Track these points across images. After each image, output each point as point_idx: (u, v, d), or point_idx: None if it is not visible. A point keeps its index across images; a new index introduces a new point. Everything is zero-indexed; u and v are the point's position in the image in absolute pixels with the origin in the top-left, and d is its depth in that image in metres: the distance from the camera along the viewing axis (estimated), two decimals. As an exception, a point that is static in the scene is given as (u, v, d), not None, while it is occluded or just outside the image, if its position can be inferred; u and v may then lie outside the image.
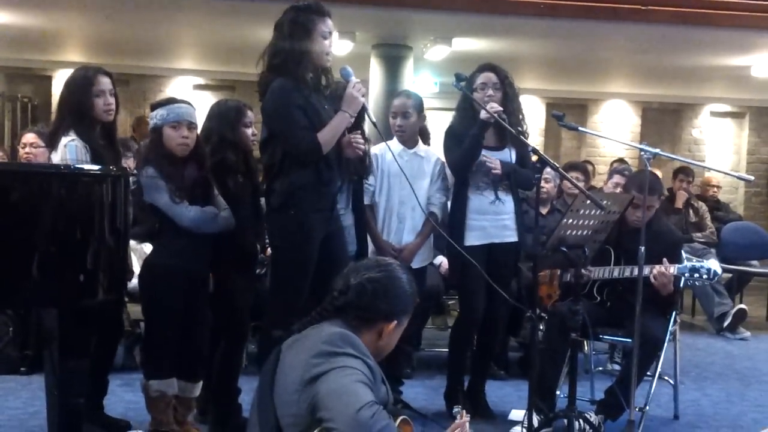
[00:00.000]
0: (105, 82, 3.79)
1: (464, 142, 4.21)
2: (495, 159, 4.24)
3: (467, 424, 2.40)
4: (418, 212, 4.44)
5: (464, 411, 2.45)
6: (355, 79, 3.73)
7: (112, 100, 3.82)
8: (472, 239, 4.26)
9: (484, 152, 4.23)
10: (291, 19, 3.64)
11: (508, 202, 4.33)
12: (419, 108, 4.52)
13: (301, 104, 3.62)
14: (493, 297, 4.31)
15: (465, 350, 4.52)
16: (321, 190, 3.70)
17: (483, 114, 4.08)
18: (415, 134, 4.54)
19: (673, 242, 4.35)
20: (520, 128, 4.16)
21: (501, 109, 4.08)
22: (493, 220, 4.29)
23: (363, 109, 3.77)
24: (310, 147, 3.61)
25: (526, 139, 4.12)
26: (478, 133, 4.16)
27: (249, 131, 4.12)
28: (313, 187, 3.67)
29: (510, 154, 4.31)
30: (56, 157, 3.68)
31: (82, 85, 3.75)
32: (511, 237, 4.31)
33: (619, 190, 6.04)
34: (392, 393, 4.41)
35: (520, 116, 4.32)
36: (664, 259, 4.07)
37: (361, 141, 3.91)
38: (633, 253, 4.02)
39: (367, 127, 4.23)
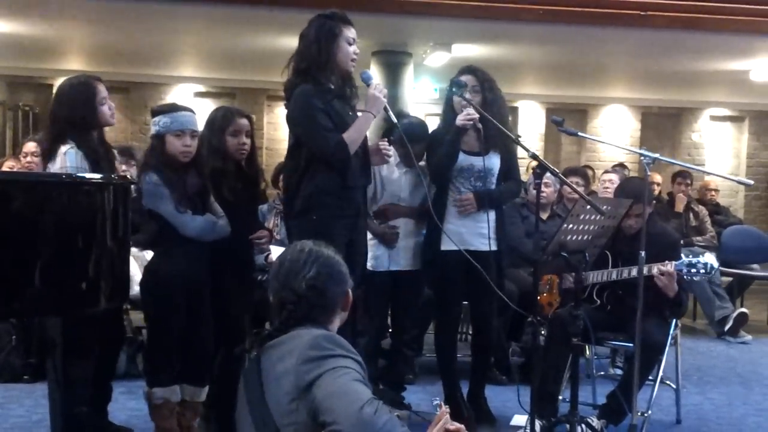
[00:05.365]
0: (104, 89, 3.80)
1: (441, 148, 4.22)
2: (468, 195, 4.22)
3: (448, 416, 2.37)
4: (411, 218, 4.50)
5: (442, 403, 2.44)
6: (375, 81, 3.88)
7: (112, 104, 3.85)
8: (447, 243, 4.22)
9: (465, 160, 4.23)
10: (318, 26, 3.75)
11: (489, 210, 4.28)
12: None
13: (325, 108, 3.69)
14: (479, 302, 4.34)
15: (451, 355, 4.51)
16: (344, 194, 3.75)
17: (458, 120, 4.11)
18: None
19: (670, 243, 4.34)
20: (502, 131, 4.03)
21: (477, 116, 4.07)
22: (470, 226, 4.27)
23: (385, 110, 3.85)
24: (337, 147, 3.67)
25: (513, 142, 4.05)
26: (454, 139, 4.16)
27: (236, 140, 3.98)
28: (336, 192, 3.71)
29: (492, 160, 4.27)
30: (55, 167, 3.62)
31: (86, 95, 3.73)
32: (486, 246, 4.24)
33: (608, 186, 6.07)
34: (395, 397, 4.45)
35: (504, 120, 4.23)
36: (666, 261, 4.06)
37: (390, 148, 3.97)
38: (629, 256, 4.04)
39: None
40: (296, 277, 2.43)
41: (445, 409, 2.39)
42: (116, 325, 4.13)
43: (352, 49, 3.80)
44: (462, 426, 2.32)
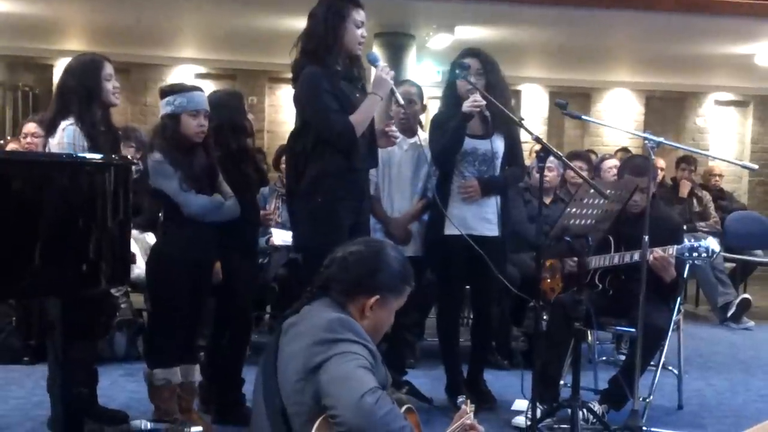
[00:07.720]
0: (110, 67, 3.79)
1: (446, 134, 4.17)
2: (473, 181, 4.19)
3: (472, 414, 2.38)
4: (415, 202, 4.50)
5: (468, 401, 2.44)
6: (382, 63, 3.84)
7: (117, 84, 3.83)
8: (451, 228, 4.18)
9: (469, 144, 4.18)
10: (326, 7, 3.72)
11: (493, 195, 4.27)
12: (422, 97, 4.60)
13: (332, 90, 3.67)
14: (481, 286, 4.33)
15: (453, 340, 4.50)
16: (350, 177, 3.73)
17: (465, 106, 4.05)
18: (416, 123, 4.56)
19: (673, 227, 4.31)
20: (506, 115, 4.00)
21: (484, 103, 4.02)
22: (475, 211, 4.24)
23: (391, 92, 3.82)
24: (343, 129, 3.65)
25: (516, 125, 4.03)
26: (460, 125, 4.10)
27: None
28: (342, 174, 3.69)
29: (496, 143, 4.24)
30: (53, 142, 3.61)
31: (92, 69, 3.71)
32: (491, 231, 4.24)
33: (613, 173, 6.03)
34: (397, 378, 4.43)
35: (507, 103, 4.17)
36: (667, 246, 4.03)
37: (396, 131, 3.95)
38: (632, 239, 4.01)
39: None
40: (346, 248, 2.49)
41: (470, 407, 2.39)
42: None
43: (360, 32, 3.76)
44: (480, 427, 2.34)
